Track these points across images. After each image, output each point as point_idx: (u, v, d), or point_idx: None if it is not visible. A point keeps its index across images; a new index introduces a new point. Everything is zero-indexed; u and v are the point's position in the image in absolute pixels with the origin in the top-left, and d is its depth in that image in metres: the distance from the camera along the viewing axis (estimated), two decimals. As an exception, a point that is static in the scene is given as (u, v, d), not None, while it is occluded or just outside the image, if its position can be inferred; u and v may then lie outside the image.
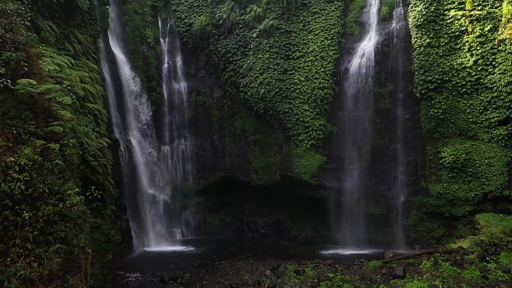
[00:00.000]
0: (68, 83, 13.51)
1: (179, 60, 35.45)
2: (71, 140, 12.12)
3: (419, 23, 27.72)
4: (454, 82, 26.80)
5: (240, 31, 32.81)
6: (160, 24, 35.25)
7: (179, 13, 35.04)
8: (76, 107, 20.10)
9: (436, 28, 27.31)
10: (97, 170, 21.93)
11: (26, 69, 11.46)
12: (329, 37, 30.51)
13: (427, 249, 24.38)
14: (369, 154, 29.43)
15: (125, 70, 30.89)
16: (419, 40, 27.76)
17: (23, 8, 13.10)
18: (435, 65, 27.15)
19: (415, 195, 28.31)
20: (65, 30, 21.99)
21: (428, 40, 27.35)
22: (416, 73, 27.78)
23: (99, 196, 14.52)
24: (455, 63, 26.71)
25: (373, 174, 29.43)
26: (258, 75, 31.40)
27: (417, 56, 27.80)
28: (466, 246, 21.29)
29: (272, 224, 33.36)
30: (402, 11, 29.25)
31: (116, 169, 26.66)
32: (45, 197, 10.57)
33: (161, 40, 35.09)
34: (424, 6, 27.59)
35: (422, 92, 27.57)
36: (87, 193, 14.28)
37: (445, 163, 26.92)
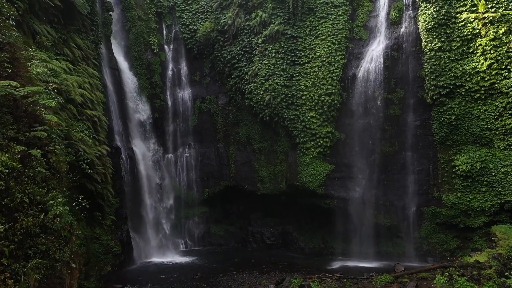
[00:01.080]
0: (53, 85, 12.82)
1: (183, 67, 34.89)
2: (57, 147, 11.36)
3: (429, 26, 26.78)
4: (467, 87, 25.69)
5: (245, 37, 32.16)
6: (164, 31, 34.80)
7: (183, 19, 34.58)
8: (73, 113, 19.50)
9: (448, 31, 26.32)
10: (95, 179, 21.21)
11: (10, 71, 10.76)
12: (336, 42, 29.69)
13: (441, 262, 23.11)
14: (379, 162, 28.34)
15: (128, 77, 30.37)
16: (430, 44, 26.79)
17: (6, 6, 12.45)
18: (447, 70, 26.11)
19: (427, 205, 27.07)
20: (64, 35, 21.48)
21: (439, 44, 26.36)
22: (427, 78, 26.76)
23: (87, 206, 13.70)
24: (468, 68, 25.64)
25: (382, 183, 28.30)
26: (264, 81, 30.63)
27: (428, 61, 26.81)
28: (483, 260, 20.01)
29: (278, 235, 32.31)
30: (412, 15, 28.36)
31: (117, 178, 25.97)
32: (24, 207, 9.79)
33: (166, 46, 34.60)
34: (434, 9, 26.66)
35: (434, 97, 26.50)
36: (83, 203, 13.57)
37: (458, 171, 25.73)
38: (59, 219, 10.28)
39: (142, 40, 32.54)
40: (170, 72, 34.31)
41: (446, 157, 26.60)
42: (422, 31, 27.26)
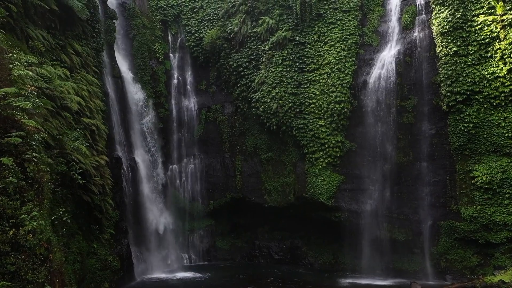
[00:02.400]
0: (32, 87, 11.87)
1: (189, 76, 34.06)
2: (36, 155, 10.32)
3: (444, 30, 25.54)
4: (485, 94, 24.26)
5: (252, 44, 31.26)
6: (170, 39, 34.12)
7: (189, 27, 33.89)
8: (68, 121, 18.60)
9: (464, 35, 25.02)
10: (92, 190, 20.21)
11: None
12: (346, 48, 28.59)
13: (461, 281, 21.48)
14: (392, 173, 26.89)
15: (132, 85, 29.58)
16: (444, 49, 25.52)
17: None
18: (464, 75, 24.73)
19: (444, 218, 25.45)
20: (61, 41, 20.73)
21: (455, 49, 25.05)
22: (443, 84, 25.41)
23: (68, 221, 12.62)
24: (486, 73, 24.24)
25: (396, 196, 26.79)
26: (271, 89, 29.56)
27: (443, 66, 25.51)
28: (509, 280, 18.36)
29: (286, 249, 30.85)
30: (425, 19, 27.19)
31: (118, 189, 24.97)
32: (-9, 222, 8.73)
33: (171, 55, 33.87)
34: (449, 12, 25.43)
35: (450, 104, 25.08)
36: (65, 218, 12.49)
37: (478, 183, 24.15)
38: (32, 235, 9.19)
39: (147, 48, 31.83)
40: (175, 81, 33.50)
41: (464, 168, 25.04)
42: (437, 35, 26.03)
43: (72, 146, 16.74)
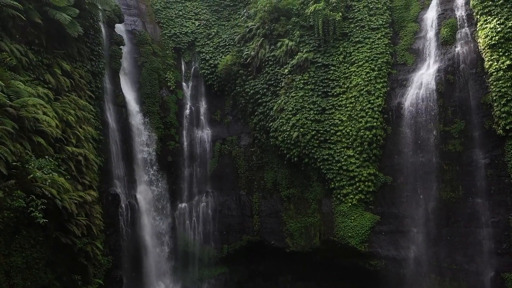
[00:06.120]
0: None
1: (203, 105, 31.27)
2: None
3: (493, 42, 21.76)
4: (551, 113, 19.88)
5: (270, 68, 28.35)
6: (183, 67, 31.77)
7: (203, 54, 31.53)
8: (43, 147, 15.64)
9: (518, 46, 21.07)
10: (73, 232, 16.89)
11: None
12: (376, 68, 25.23)
13: None
14: (438, 211, 22.44)
15: (137, 115, 27.03)
16: (495, 63, 21.60)
17: None
18: (522, 92, 20.55)
19: (509, 269, 20.37)
20: (47, 60, 18.31)
21: (508, 62, 21.13)
22: (496, 104, 21.27)
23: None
24: (550, 88, 19.98)
25: (445, 240, 22.12)
26: (291, 116, 26.17)
27: (494, 83, 21.50)
28: None
29: (312, 304, 26.17)
30: (468, 32, 23.60)
31: (113, 231, 21.75)
32: None
33: (184, 84, 31.35)
34: (498, 22, 21.76)
35: (507, 128, 20.76)
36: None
37: (550, 224, 19.27)
38: None
39: (157, 76, 29.41)
40: (187, 111, 30.71)
41: (530, 205, 20.27)
42: (484, 48, 22.24)
43: (40, 177, 13.57)
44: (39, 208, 12.87)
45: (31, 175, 13.01)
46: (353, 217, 23.82)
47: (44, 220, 13.06)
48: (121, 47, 27.23)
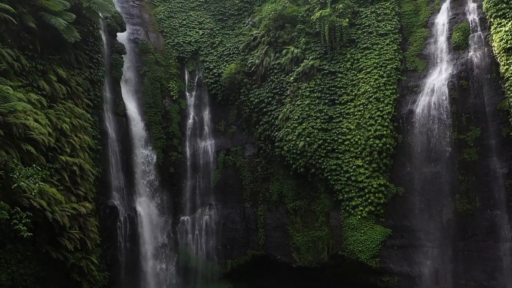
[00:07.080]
0: None
1: (206, 115, 30.42)
2: None
3: (509, 45, 20.88)
4: None
5: (275, 77, 27.52)
6: (186, 77, 31.05)
7: (207, 63, 30.80)
8: (33, 156, 14.82)
9: (536, 48, 20.02)
10: (65, 246, 15.94)
11: None
12: (385, 75, 24.27)
13: None
14: (454, 224, 21.14)
15: (138, 125, 26.24)
16: (511, 67, 20.47)
17: None
18: (541, 97, 19.42)
19: (533, 287, 18.99)
20: (42, 66, 17.63)
21: (525, 66, 19.98)
22: (513, 110, 20.10)
23: None
24: None
25: (462, 255, 20.74)
26: (297, 125, 25.19)
27: (511, 89, 20.33)
28: None
29: (321, 324, 24.75)
30: (481, 36, 22.67)
31: (110, 245, 20.74)
32: None
33: (187, 93, 30.61)
34: (513, 24, 20.69)
35: (526, 135, 19.57)
36: None
37: None
38: None
39: (159, 85, 28.74)
40: (190, 121, 29.88)
41: (553, 217, 18.94)
42: (499, 52, 21.27)
43: (26, 187, 12.70)
44: (24, 221, 11.93)
45: (15, 185, 12.13)
46: (363, 231, 22.55)
47: (29, 234, 12.12)
48: (123, 55, 26.63)
